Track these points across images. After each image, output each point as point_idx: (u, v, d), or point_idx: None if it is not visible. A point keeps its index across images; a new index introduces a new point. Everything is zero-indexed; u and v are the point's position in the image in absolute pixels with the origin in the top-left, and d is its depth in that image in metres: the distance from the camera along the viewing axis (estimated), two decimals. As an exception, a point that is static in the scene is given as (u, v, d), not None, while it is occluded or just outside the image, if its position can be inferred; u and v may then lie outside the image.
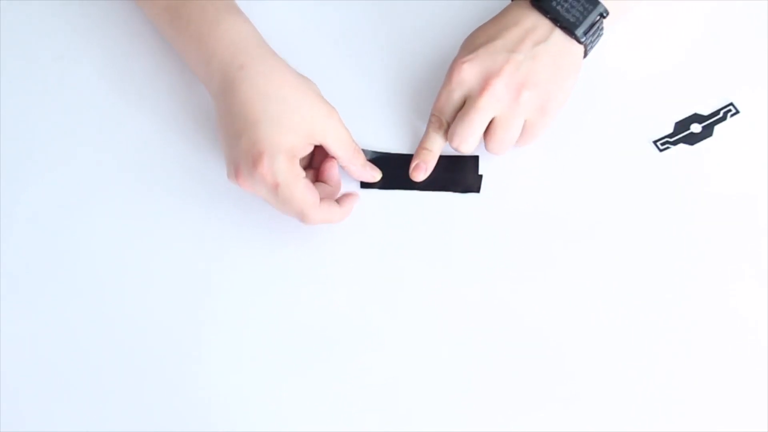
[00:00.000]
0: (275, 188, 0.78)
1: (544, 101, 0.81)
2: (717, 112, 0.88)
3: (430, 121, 0.85)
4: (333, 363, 0.79)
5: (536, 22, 0.82)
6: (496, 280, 0.82)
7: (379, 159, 0.86)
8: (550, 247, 0.83)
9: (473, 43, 0.84)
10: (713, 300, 0.80)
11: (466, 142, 0.83)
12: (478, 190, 0.85)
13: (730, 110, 0.87)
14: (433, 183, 0.86)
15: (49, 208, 0.85)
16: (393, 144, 0.87)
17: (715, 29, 0.91)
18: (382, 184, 0.86)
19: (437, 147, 0.85)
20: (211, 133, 0.88)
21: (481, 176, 0.86)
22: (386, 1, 0.93)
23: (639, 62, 0.90)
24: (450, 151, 0.86)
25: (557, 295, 0.81)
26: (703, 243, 0.82)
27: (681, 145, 0.86)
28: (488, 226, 0.84)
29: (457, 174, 0.86)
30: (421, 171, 0.85)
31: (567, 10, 0.81)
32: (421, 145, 0.85)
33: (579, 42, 0.82)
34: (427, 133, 0.85)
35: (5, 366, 0.80)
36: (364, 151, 0.86)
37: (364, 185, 0.86)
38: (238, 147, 0.78)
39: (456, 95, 0.83)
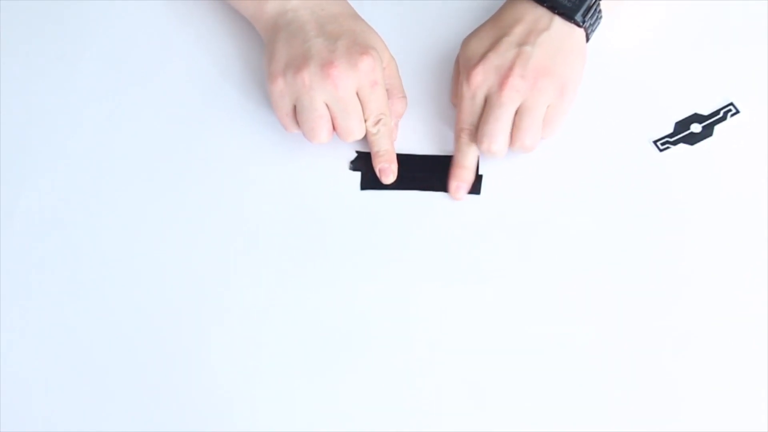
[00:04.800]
0: (372, 86, 0.82)
1: (560, 85, 0.83)
2: (717, 112, 0.88)
3: (459, 137, 0.85)
4: (332, 363, 0.79)
5: (537, 15, 0.84)
6: (496, 281, 0.82)
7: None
8: (550, 248, 0.83)
9: (478, 45, 0.84)
10: (713, 300, 0.80)
11: (497, 141, 0.83)
12: (478, 191, 0.85)
13: (730, 110, 0.88)
14: (434, 183, 0.86)
15: (49, 208, 0.85)
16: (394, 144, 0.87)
17: (715, 29, 0.91)
18: (382, 185, 0.86)
19: (473, 161, 0.85)
20: (211, 132, 0.88)
21: (481, 177, 0.86)
22: (387, 0, 0.94)
23: (639, 62, 0.90)
24: (448, 151, 0.86)
25: (557, 295, 0.81)
26: (703, 243, 0.82)
27: (681, 145, 0.86)
28: (488, 227, 0.84)
29: (458, 174, 0.86)
30: (461, 191, 0.85)
31: None
32: (457, 164, 0.85)
33: (579, 26, 0.84)
34: (459, 149, 0.85)
35: (6, 366, 0.80)
36: (359, 152, 0.86)
37: (365, 186, 0.86)
38: (333, 46, 0.82)
39: (478, 100, 0.84)
